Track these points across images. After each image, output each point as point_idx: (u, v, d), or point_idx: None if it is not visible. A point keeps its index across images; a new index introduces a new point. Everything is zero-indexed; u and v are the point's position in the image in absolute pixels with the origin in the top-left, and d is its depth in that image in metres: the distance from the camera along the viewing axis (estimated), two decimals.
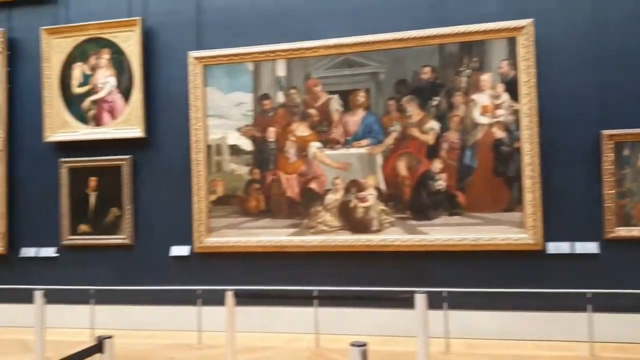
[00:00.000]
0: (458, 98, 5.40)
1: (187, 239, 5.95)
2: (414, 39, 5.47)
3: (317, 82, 5.71)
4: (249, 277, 5.72)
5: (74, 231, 6.19)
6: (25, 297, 5.52)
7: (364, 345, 2.63)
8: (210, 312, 5.54)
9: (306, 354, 4.96)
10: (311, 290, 5.18)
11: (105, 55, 6.20)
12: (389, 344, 5.10)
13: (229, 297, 4.44)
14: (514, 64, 5.24)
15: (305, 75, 5.74)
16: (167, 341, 5.51)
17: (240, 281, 5.65)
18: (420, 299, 3.80)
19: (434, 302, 4.69)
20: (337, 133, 5.65)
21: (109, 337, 2.47)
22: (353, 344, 2.62)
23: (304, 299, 5.40)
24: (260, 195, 5.81)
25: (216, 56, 5.90)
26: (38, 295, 3.82)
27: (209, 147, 5.91)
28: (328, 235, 5.59)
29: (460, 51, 5.40)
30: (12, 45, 6.45)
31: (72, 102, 6.24)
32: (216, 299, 5.24)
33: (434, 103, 5.45)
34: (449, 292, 5.09)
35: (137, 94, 6.05)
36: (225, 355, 4.46)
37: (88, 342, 5.47)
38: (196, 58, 5.92)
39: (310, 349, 5.11)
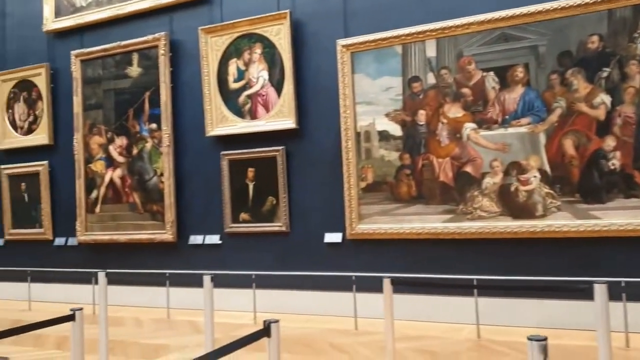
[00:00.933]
0: (632, 67, 4.83)
1: (339, 226, 5.99)
2: (579, 6, 4.98)
3: (470, 60, 5.43)
4: (401, 265, 5.62)
5: (235, 219, 6.52)
6: (193, 281, 5.94)
7: (544, 339, 2.39)
8: (365, 299, 5.53)
9: (468, 345, 4.76)
10: (471, 279, 4.95)
11: (258, 50, 6.43)
12: (561, 337, 4.72)
13: (387, 284, 4.36)
14: None
15: (457, 53, 5.48)
16: (325, 326, 5.60)
17: (392, 268, 5.55)
18: (600, 290, 3.44)
19: (610, 293, 4.24)
20: (493, 112, 5.34)
21: (276, 321, 2.49)
22: (531, 338, 2.39)
23: (463, 288, 5.18)
24: (411, 181, 5.68)
25: (364, 42, 5.84)
26: (207, 280, 4.04)
27: (358, 134, 5.89)
28: (487, 222, 5.31)
29: (635, 15, 4.81)
30: (174, 47, 6.93)
31: (229, 97, 6.56)
32: (370, 286, 5.21)
33: (604, 74, 4.93)
34: (626, 282, 4.58)
35: (288, 86, 6.20)
36: (383, 342, 4.41)
37: (252, 325, 5.75)
38: (344, 46, 5.92)
39: (471, 340, 4.89)
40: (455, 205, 5.46)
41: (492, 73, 5.34)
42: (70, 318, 3.06)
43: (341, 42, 5.93)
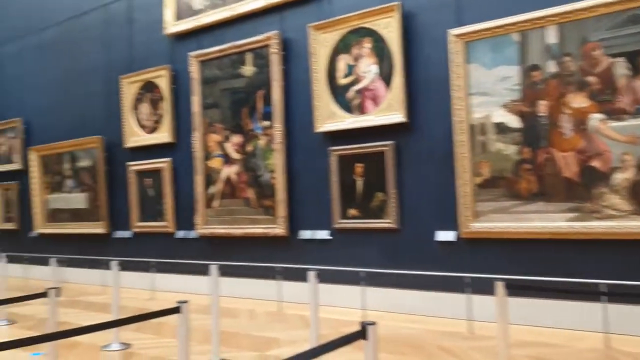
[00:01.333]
0: None
1: (452, 224, 5.76)
2: None
3: (596, 45, 4.97)
4: (520, 266, 5.28)
5: (344, 215, 6.49)
6: (304, 276, 5.97)
7: None
8: (480, 301, 5.27)
9: (593, 355, 4.36)
10: (597, 284, 4.53)
11: (367, 44, 6.33)
12: None
13: (499, 289, 4.10)
14: None
15: (581, 39, 5.04)
16: (435, 327, 5.41)
17: (510, 270, 5.25)
18: None
19: None
20: (624, 101, 4.84)
21: (372, 324, 2.39)
22: None
23: (588, 294, 4.76)
24: (531, 176, 5.31)
25: (478, 31, 5.55)
26: (312, 275, 4.03)
27: (472, 127, 5.62)
28: (617, 221, 4.83)
29: None
30: (285, 45, 7.03)
31: (338, 93, 6.53)
32: (485, 288, 4.95)
33: None
34: None
35: (397, 79, 6.06)
36: (497, 348, 4.15)
37: (357, 322, 5.68)
38: (456, 35, 5.66)
39: (596, 350, 4.48)
40: (581, 203, 5.03)
41: (622, 59, 4.85)
42: (176, 310, 3.17)
43: (453, 31, 5.68)
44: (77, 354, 4.92)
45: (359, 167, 6.38)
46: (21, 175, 10.67)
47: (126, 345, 5.11)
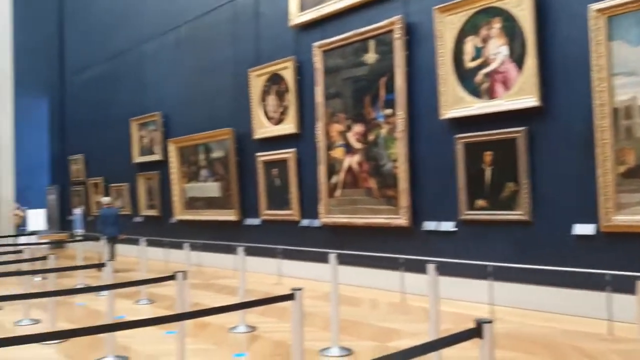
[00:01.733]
0: None
1: (591, 217, 5.27)
2: None
3: None
4: None
5: (470, 206, 6.19)
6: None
7: None
8: (621, 300, 4.78)
9: None
10: None
11: (496, 25, 5.97)
12: None
13: None
14: None
15: None
16: (569, 327, 4.99)
17: None
18: None
19: None
20: None
21: (489, 322, 2.20)
22: None
23: None
24: None
25: (623, 4, 5.00)
26: (431, 268, 3.86)
27: (615, 110, 5.08)
28: None
29: None
30: (409, 30, 6.84)
31: (465, 77, 6.23)
32: (627, 286, 4.46)
33: None
34: None
35: (530, 60, 5.64)
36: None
37: (470, 317, 5.40)
38: (598, 10, 5.15)
39: None
40: None
41: None
42: (289, 297, 3.18)
43: (594, 6, 5.17)
44: (207, 334, 5.17)
45: (487, 155, 6.05)
46: (161, 166, 11.48)
47: (252, 328, 5.28)
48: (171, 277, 4.07)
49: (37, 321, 5.94)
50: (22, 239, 10.65)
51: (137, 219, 12.31)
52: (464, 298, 6.05)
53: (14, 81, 11.49)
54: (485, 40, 6.08)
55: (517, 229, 5.83)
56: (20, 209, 11.93)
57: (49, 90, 16.43)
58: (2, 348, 3.01)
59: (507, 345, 4.50)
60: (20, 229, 11.52)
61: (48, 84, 16.32)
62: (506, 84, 5.88)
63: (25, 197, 14.11)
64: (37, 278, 7.89)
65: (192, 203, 10.64)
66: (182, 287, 3.92)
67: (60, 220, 15.81)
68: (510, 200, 5.86)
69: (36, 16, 15.87)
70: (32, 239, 10.62)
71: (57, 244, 13.15)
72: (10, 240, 10.52)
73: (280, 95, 8.61)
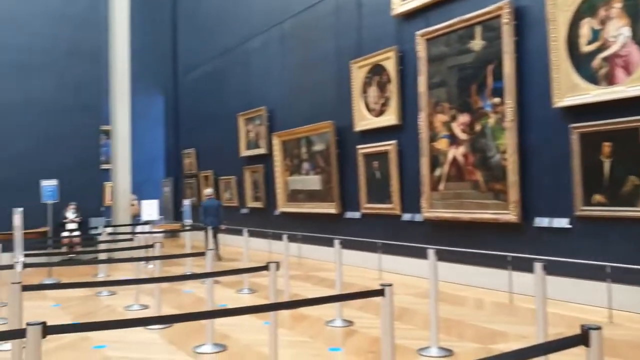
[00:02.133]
0: None
1: None
2: None
3: None
4: None
5: (587, 201, 5.71)
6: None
7: None
8: None
9: None
10: None
11: (617, 4, 5.45)
12: None
13: None
14: None
15: None
16: None
17: None
18: None
19: None
20: None
21: (597, 328, 1.97)
22: None
23: None
24: None
25: None
26: (538, 267, 3.57)
27: None
28: None
29: None
30: (518, 14, 6.42)
31: (581, 62, 5.75)
32: None
33: None
34: None
35: None
36: None
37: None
38: None
39: None
40: None
41: None
42: (379, 293, 3.05)
43: None
44: (304, 326, 5.16)
45: (606, 147, 5.54)
46: (266, 159, 11.73)
47: (349, 323, 5.20)
48: (264, 268, 4.08)
49: (145, 306, 6.26)
50: (137, 228, 11.34)
51: (244, 211, 12.70)
52: (581, 301, 5.61)
53: (131, 80, 12.21)
54: (603, 21, 5.56)
55: (639, 227, 5.29)
56: (135, 200, 12.71)
57: (164, 88, 17.36)
58: (110, 330, 3.16)
59: (627, 355, 4.08)
60: (136, 219, 12.26)
61: (163, 82, 17.24)
62: (628, 69, 5.35)
63: (142, 189, 15.01)
64: (150, 265, 8.32)
65: (294, 195, 10.77)
66: (274, 278, 3.91)
67: (174, 211, 16.68)
68: (632, 196, 5.33)
69: (151, 19, 16.81)
70: (146, 228, 11.25)
71: (168, 233, 13.89)
72: (126, 229, 11.24)
73: (382, 87, 8.45)
